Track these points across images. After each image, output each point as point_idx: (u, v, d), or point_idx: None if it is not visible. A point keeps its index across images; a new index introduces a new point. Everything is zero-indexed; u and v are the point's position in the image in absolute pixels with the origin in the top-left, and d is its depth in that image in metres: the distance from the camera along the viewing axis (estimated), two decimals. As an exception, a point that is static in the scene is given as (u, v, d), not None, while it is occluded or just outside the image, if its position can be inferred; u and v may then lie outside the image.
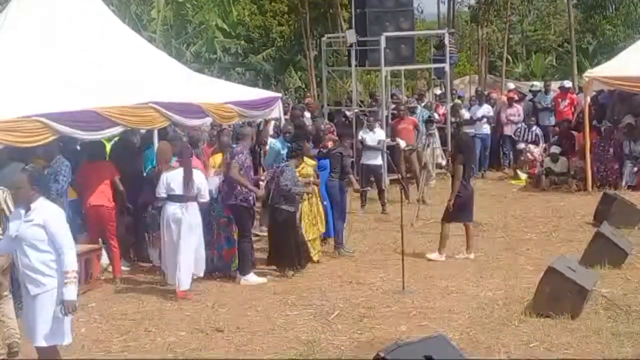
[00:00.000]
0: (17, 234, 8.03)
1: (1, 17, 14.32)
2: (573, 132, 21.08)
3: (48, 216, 8.07)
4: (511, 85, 26.92)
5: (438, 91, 25.06)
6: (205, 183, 12.24)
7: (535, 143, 21.81)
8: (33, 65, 12.76)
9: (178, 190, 11.96)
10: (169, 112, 13.11)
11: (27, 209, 8.07)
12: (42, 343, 8.13)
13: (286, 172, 12.93)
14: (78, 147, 14.22)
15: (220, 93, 14.71)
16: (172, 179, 12.02)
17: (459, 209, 13.84)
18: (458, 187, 13.71)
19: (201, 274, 12.41)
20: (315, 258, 13.73)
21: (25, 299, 8.17)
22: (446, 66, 21.61)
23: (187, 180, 11.96)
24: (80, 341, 10.09)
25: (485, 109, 22.48)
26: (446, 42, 21.52)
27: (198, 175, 12.14)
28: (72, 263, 8.04)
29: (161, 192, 12.11)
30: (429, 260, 13.77)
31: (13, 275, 9.27)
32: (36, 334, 8.09)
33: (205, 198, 12.22)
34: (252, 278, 12.62)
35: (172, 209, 11.98)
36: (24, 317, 8.32)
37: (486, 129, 22.33)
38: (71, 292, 8.00)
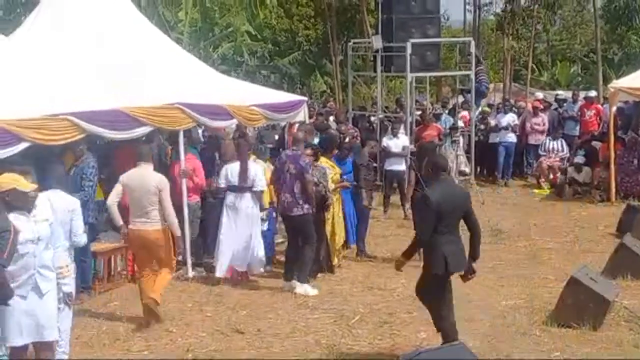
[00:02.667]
0: (39, 235, 7.88)
1: (30, 17, 14.43)
2: (596, 142, 21.02)
3: (50, 211, 8.18)
4: (539, 95, 26.81)
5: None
6: (261, 174, 12.96)
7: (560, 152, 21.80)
8: (61, 65, 12.81)
9: (235, 181, 12.83)
10: (196, 113, 13.16)
11: (32, 208, 7.89)
12: (56, 336, 8.21)
13: (322, 184, 13.00)
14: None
15: (246, 95, 14.74)
16: (231, 170, 12.90)
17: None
18: (411, 192, 13.99)
19: (245, 269, 13.12)
20: (335, 262, 13.72)
21: (28, 298, 7.83)
22: (471, 74, 21.60)
23: (243, 171, 12.74)
24: (101, 339, 10.18)
25: (510, 117, 22.45)
26: (472, 50, 21.51)
27: (253, 167, 12.97)
28: (68, 256, 8.35)
29: (222, 182, 13.00)
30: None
31: None
32: (52, 328, 8.08)
33: (259, 188, 12.92)
34: (308, 288, 12.39)
35: (230, 198, 12.92)
36: (23, 318, 7.83)
37: (511, 137, 22.29)
38: (72, 284, 8.40)
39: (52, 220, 8.10)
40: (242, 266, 13.08)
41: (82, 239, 9.05)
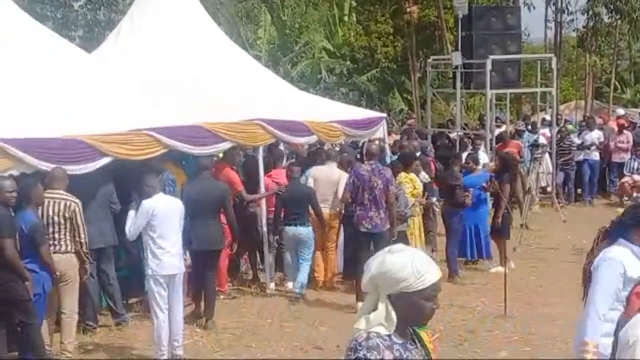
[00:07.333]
0: None
1: (112, 35, 14.64)
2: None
3: None
4: (621, 111, 26.36)
5: (547, 117, 24.58)
6: None
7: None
8: (143, 81, 12.94)
9: None
10: (275, 129, 13.18)
11: None
12: None
13: (400, 197, 12.84)
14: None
15: (326, 112, 14.76)
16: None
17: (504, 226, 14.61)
18: (504, 205, 14.47)
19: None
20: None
21: None
22: (553, 90, 21.34)
23: None
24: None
25: (596, 135, 22.08)
26: (553, 66, 21.28)
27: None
28: None
29: None
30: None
31: None
32: None
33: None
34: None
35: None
36: None
37: (595, 155, 21.93)
38: None
39: None
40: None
41: None
